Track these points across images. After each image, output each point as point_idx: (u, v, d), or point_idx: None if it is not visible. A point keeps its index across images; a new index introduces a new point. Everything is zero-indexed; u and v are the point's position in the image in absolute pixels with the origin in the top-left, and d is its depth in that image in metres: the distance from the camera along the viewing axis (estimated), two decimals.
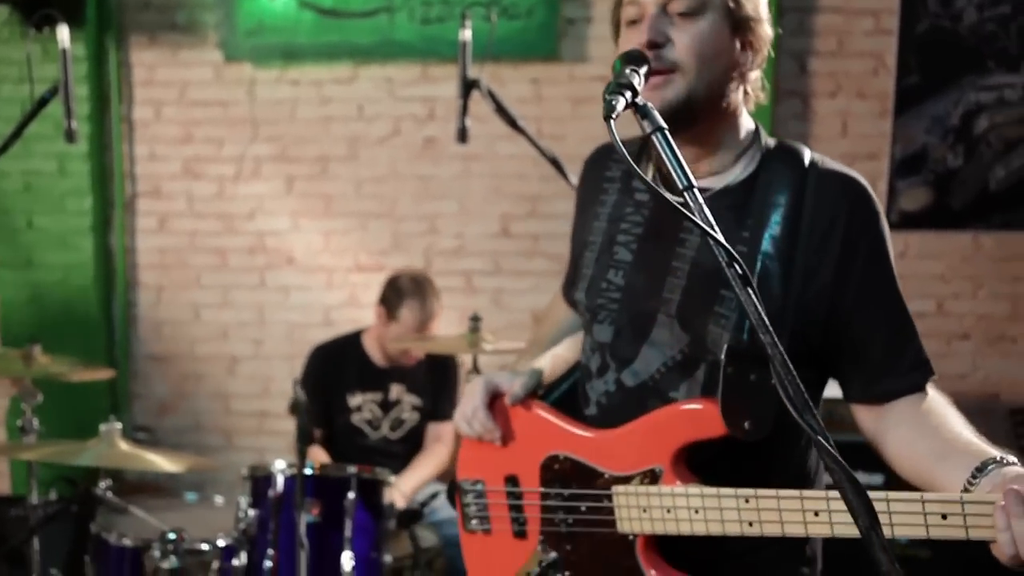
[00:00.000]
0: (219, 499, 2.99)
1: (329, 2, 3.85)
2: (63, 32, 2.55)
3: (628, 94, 1.18)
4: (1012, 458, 1.19)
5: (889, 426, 1.35)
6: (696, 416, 1.33)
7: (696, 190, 1.14)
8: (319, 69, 3.96)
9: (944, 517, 1.14)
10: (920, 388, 1.35)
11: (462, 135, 2.38)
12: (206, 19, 3.98)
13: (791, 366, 1.06)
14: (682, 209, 1.08)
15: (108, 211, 4.13)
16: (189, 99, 4.07)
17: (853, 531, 1.12)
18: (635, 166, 1.08)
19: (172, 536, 2.33)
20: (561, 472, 1.44)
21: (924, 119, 3.68)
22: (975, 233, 3.75)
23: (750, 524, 1.26)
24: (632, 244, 1.44)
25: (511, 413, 1.52)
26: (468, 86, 2.35)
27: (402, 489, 3.00)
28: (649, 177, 1.43)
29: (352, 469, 2.47)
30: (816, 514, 1.21)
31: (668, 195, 1.09)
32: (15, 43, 3.90)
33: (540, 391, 1.56)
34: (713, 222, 1.13)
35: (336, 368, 3.28)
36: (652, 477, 1.35)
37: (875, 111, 3.73)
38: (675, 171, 1.14)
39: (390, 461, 3.09)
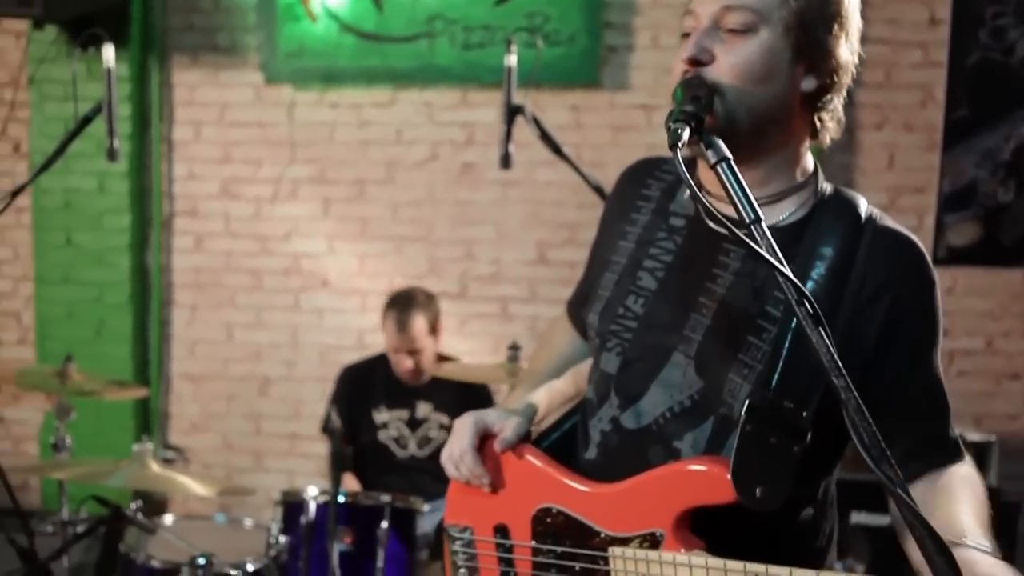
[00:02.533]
0: (248, 522, 2.95)
1: (370, 26, 3.86)
2: (108, 51, 2.56)
3: (694, 124, 1.13)
4: (986, 545, 1.13)
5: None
6: (704, 479, 1.21)
7: (764, 224, 1.08)
8: (358, 92, 3.96)
9: None
10: (943, 466, 1.26)
11: (505, 161, 2.35)
12: (248, 41, 4.01)
13: (866, 413, 1.00)
14: (748, 241, 1.02)
15: (146, 229, 4.15)
16: (229, 120, 4.08)
17: None
18: (698, 192, 1.04)
19: (202, 561, 2.29)
20: (554, 527, 1.33)
21: (974, 153, 3.60)
22: None
23: None
24: (659, 272, 1.32)
25: (502, 458, 1.40)
26: (512, 112, 2.32)
27: None
28: (686, 194, 1.34)
29: (386, 498, 2.43)
30: None
31: (730, 225, 1.03)
32: (61, 62, 3.94)
33: (533, 436, 1.45)
34: (783, 259, 1.07)
35: (364, 386, 3.30)
36: (652, 541, 1.23)
37: (923, 144, 3.66)
38: (742, 203, 1.08)
39: (420, 477, 3.13)
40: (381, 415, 3.27)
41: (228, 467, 4.18)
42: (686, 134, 1.10)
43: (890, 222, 1.28)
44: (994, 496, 3.09)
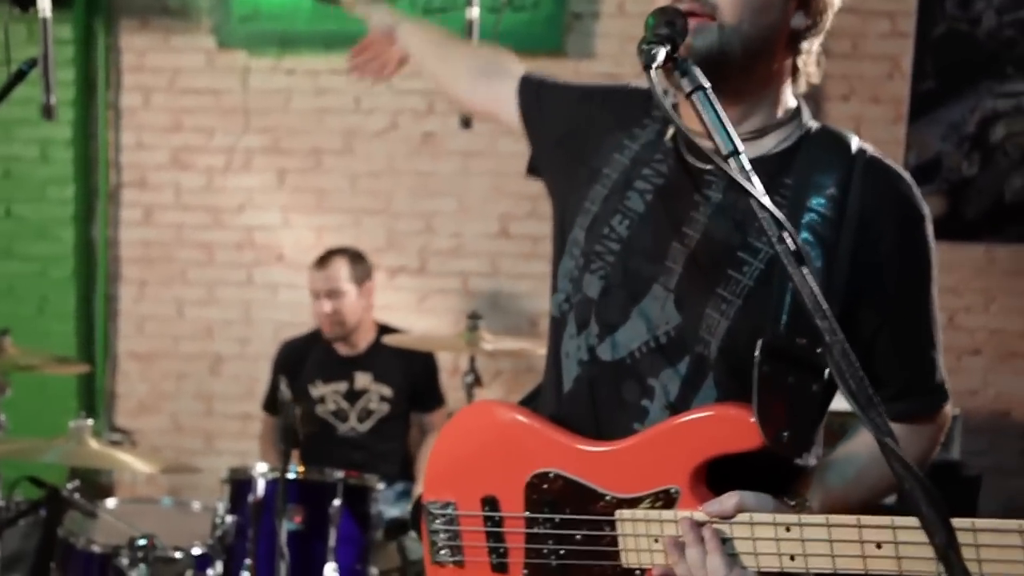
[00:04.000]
0: (196, 505, 2.84)
1: None
2: (44, 1, 2.40)
3: (668, 47, 1.05)
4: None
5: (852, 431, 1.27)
6: (727, 425, 1.13)
7: (744, 156, 1.02)
8: (315, 58, 3.82)
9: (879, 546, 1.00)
10: (929, 413, 1.26)
11: (466, 122, 2.25)
12: (200, 3, 3.85)
13: (853, 357, 0.92)
14: (726, 167, 0.96)
15: (91, 201, 3.98)
16: (180, 87, 3.92)
17: (925, 567, 0.98)
18: (675, 116, 0.95)
19: (142, 542, 2.17)
20: (551, 493, 1.22)
21: (940, 125, 3.57)
22: (988, 245, 3.64)
23: (791, 558, 1.06)
24: (648, 194, 1.25)
25: (488, 421, 1.29)
26: None
27: None
28: (668, 137, 1.27)
29: (339, 474, 2.33)
30: (879, 546, 1.00)
31: (710, 151, 0.96)
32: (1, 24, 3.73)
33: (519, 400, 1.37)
34: (761, 188, 1.01)
35: (300, 360, 3.22)
36: (666, 499, 1.14)
37: (889, 116, 3.62)
38: (720, 134, 1.03)
39: (361, 454, 3.06)
40: (317, 389, 3.17)
41: (178, 449, 4.02)
42: (661, 55, 1.03)
43: (881, 155, 1.25)
44: (955, 470, 3.08)
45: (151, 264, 4.01)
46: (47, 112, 2.43)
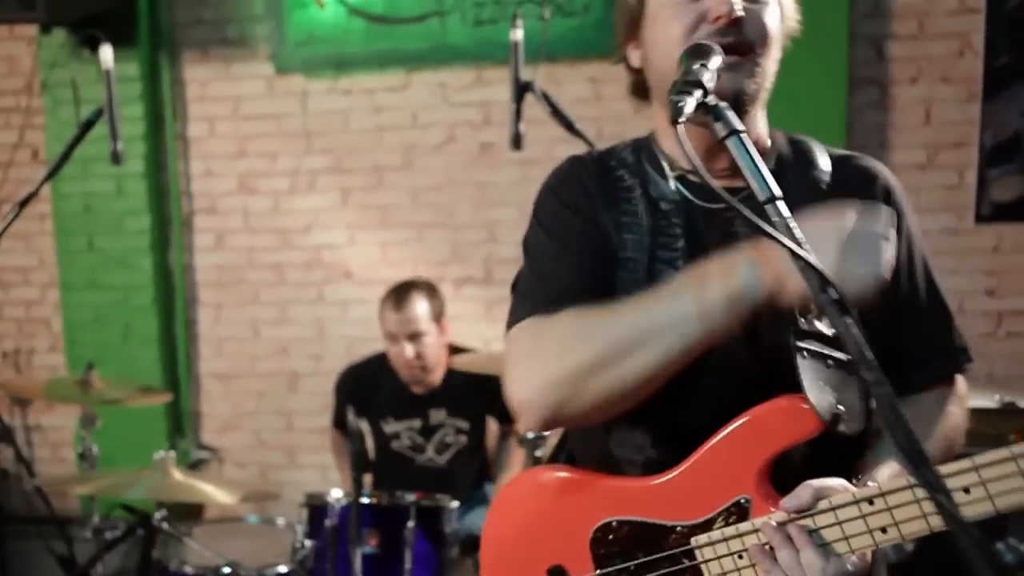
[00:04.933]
0: (281, 521, 2.92)
1: (379, 8, 3.76)
2: (106, 52, 2.51)
3: (698, 93, 1.03)
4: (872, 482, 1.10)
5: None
6: (782, 417, 1.10)
7: (782, 202, 0.99)
8: (371, 77, 3.87)
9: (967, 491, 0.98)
10: (950, 376, 1.30)
11: (516, 141, 2.25)
12: (257, 32, 3.93)
13: (902, 409, 0.89)
14: (776, 234, 0.94)
15: (166, 229, 4.12)
16: (242, 114, 4.02)
17: (1019, 498, 0.96)
18: (709, 178, 0.93)
19: (227, 570, 2.25)
20: (619, 543, 1.17)
21: (1017, 102, 3.40)
22: None
23: (883, 531, 1.02)
24: (677, 262, 1.22)
25: (533, 492, 1.25)
26: (521, 89, 2.22)
27: None
28: (671, 182, 1.26)
29: (411, 497, 2.36)
30: (967, 491, 0.97)
31: (761, 223, 0.94)
32: (71, 66, 3.90)
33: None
34: (801, 236, 0.98)
35: (368, 392, 3.08)
36: (739, 512, 1.11)
37: (961, 96, 3.47)
38: (758, 181, 1.01)
39: (443, 483, 2.92)
40: (390, 426, 3.08)
41: (262, 464, 4.15)
42: (690, 106, 1.01)
43: (847, 152, 1.32)
44: None
45: (225, 287, 4.13)
46: (115, 158, 2.56)
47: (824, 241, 1.00)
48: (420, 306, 2.94)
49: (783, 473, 1.12)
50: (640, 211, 1.26)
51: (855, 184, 1.25)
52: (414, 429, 3.06)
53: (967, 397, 1.32)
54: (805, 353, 1.10)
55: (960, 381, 1.31)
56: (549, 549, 1.21)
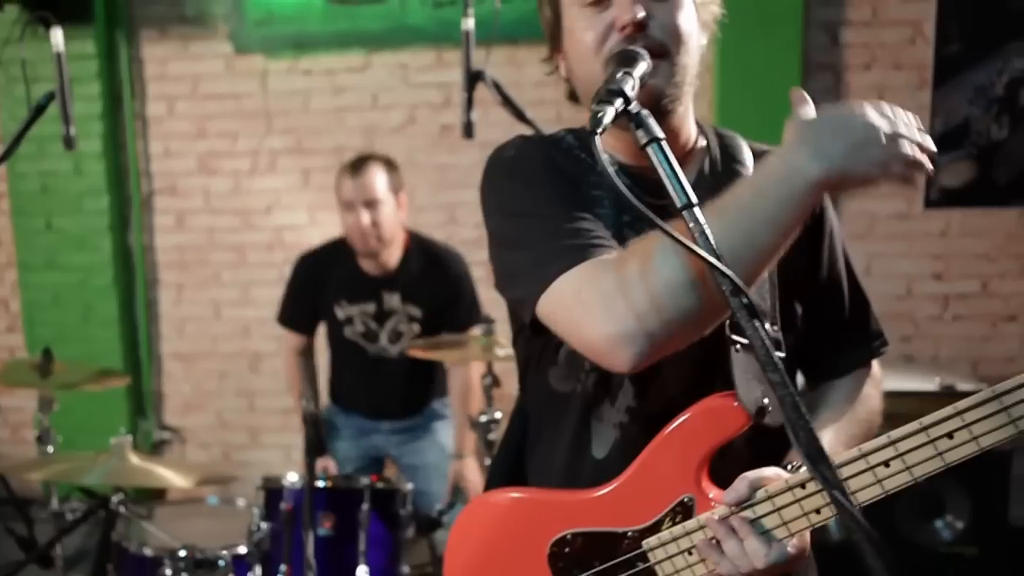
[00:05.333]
0: (241, 502, 2.95)
1: None
2: (57, 36, 2.47)
3: (619, 102, 1.05)
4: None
5: (815, 396, 1.35)
6: (710, 415, 1.15)
7: (698, 208, 1.02)
8: (331, 58, 3.86)
9: (951, 436, 1.02)
10: (868, 360, 1.36)
11: (468, 130, 2.26)
12: (215, 10, 3.90)
13: (804, 410, 0.94)
14: (683, 239, 0.96)
15: (125, 210, 4.09)
16: (201, 93, 4.00)
17: (1000, 436, 1.01)
18: (627, 192, 0.95)
19: (183, 553, 2.29)
20: (575, 555, 1.20)
21: (966, 89, 3.48)
22: (1022, 209, 3.55)
23: (817, 512, 1.06)
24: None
25: (486, 516, 1.27)
26: (473, 78, 2.23)
27: (471, 469, 2.93)
28: (613, 174, 1.26)
29: (365, 480, 2.40)
30: (951, 436, 1.01)
31: (665, 226, 0.96)
32: (25, 43, 3.83)
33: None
34: (715, 242, 1.01)
35: (321, 276, 2.98)
36: (684, 511, 1.16)
37: (913, 82, 3.54)
38: (675, 188, 1.02)
39: (397, 375, 2.93)
40: (344, 310, 2.95)
41: (224, 444, 4.18)
42: (608, 117, 1.03)
43: (766, 147, 1.31)
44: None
45: (186, 268, 4.12)
46: (67, 143, 2.54)
47: (842, 126, 1.02)
48: (378, 175, 2.85)
49: (727, 463, 1.17)
50: (605, 185, 1.23)
51: None
52: (367, 314, 2.94)
53: (882, 379, 1.39)
54: (738, 347, 1.15)
55: (875, 364, 1.38)
56: (511, 571, 1.23)
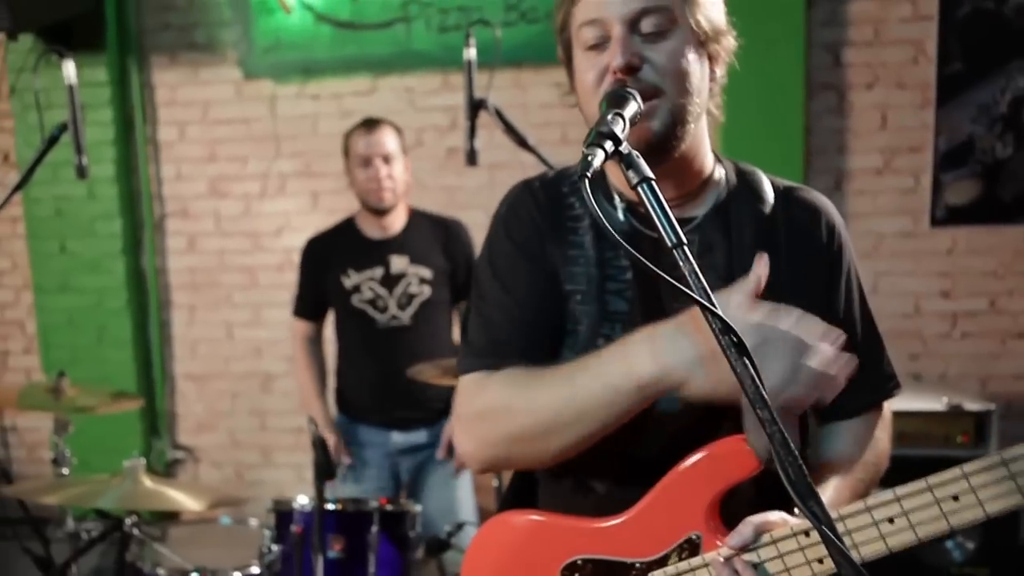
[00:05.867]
0: (254, 522, 2.97)
1: (345, 14, 3.80)
2: (69, 68, 2.53)
3: (609, 144, 1.08)
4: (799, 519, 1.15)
5: (823, 436, 1.36)
6: (726, 458, 1.17)
7: (686, 248, 1.05)
8: (338, 82, 3.91)
9: (956, 499, 1.03)
10: (880, 403, 1.37)
11: (471, 158, 2.30)
12: (224, 37, 3.96)
13: (792, 446, 0.97)
14: (673, 282, 0.98)
15: (138, 233, 4.15)
16: (212, 118, 4.06)
17: (1006, 503, 1.02)
18: (619, 237, 0.97)
19: (195, 575, 2.32)
20: None
21: (969, 108, 3.49)
22: None
23: (820, 561, 1.08)
24: (626, 292, 1.27)
25: (503, 537, 1.30)
26: (475, 106, 2.26)
27: None
28: (620, 213, 1.29)
29: (374, 503, 2.42)
30: (956, 499, 1.03)
31: (656, 269, 0.98)
32: (40, 72, 3.91)
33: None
34: (705, 282, 1.04)
35: (328, 252, 3.02)
36: (691, 548, 1.18)
37: (916, 102, 3.55)
38: (664, 227, 1.04)
39: (408, 347, 2.90)
40: (350, 279, 2.94)
41: (237, 464, 4.21)
42: (598, 160, 1.06)
43: (791, 184, 1.34)
44: None
45: (198, 290, 4.17)
46: (80, 172, 2.59)
47: (754, 339, 1.03)
48: (390, 133, 2.96)
49: (734, 502, 1.19)
50: (587, 242, 1.29)
51: (800, 219, 1.29)
52: (375, 279, 2.94)
53: (891, 421, 1.40)
54: (757, 411, 1.17)
55: (886, 406, 1.38)
56: None
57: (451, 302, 3.05)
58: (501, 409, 1.23)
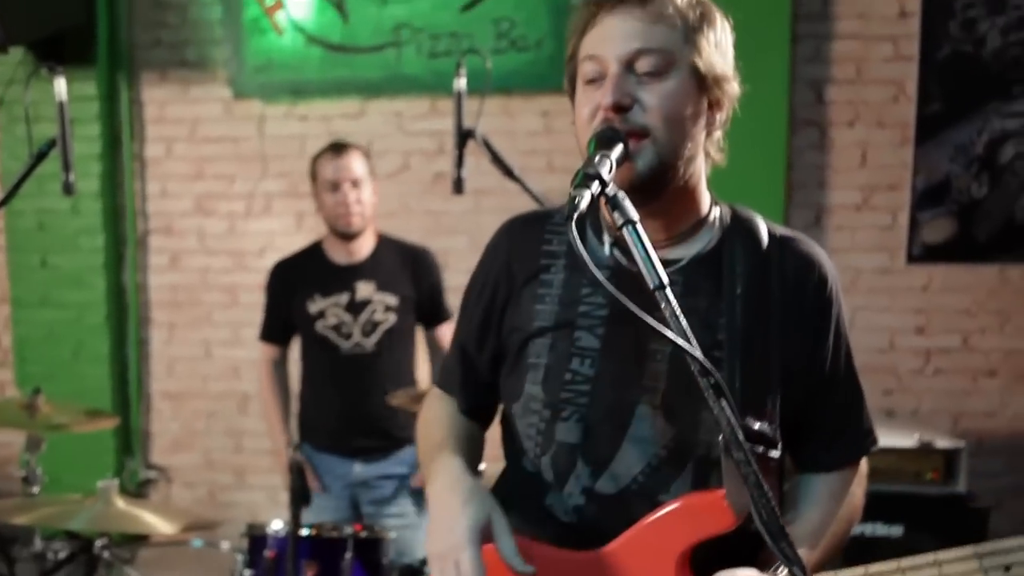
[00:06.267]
0: (225, 545, 2.95)
1: (337, 37, 3.83)
2: (60, 84, 2.53)
3: (595, 185, 1.10)
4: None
5: (800, 486, 1.36)
6: (703, 511, 1.19)
7: (668, 290, 1.06)
8: (327, 104, 3.93)
9: None
10: (858, 459, 1.38)
11: (458, 186, 2.32)
12: (215, 55, 3.98)
13: (766, 488, 0.99)
14: (652, 322, 1.00)
15: (120, 249, 4.14)
16: (200, 136, 4.06)
17: None
18: (600, 276, 0.99)
19: None
20: None
21: (947, 148, 3.56)
22: (1002, 266, 3.62)
23: None
24: (597, 328, 1.27)
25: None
26: (464, 136, 2.29)
27: None
28: (607, 248, 1.30)
29: (349, 529, 2.42)
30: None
31: (634, 307, 1.00)
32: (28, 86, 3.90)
33: None
34: (685, 324, 1.06)
35: (295, 277, 3.00)
36: None
37: (895, 140, 3.62)
38: (647, 269, 1.06)
39: (371, 375, 2.89)
40: (316, 304, 2.92)
41: (210, 484, 4.18)
42: (584, 202, 1.07)
43: (788, 232, 1.34)
44: (962, 503, 3.05)
45: (179, 307, 4.15)
46: (67, 189, 2.58)
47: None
48: (358, 157, 2.95)
49: (702, 560, 1.20)
50: (556, 281, 1.31)
51: (793, 269, 1.29)
52: (340, 305, 2.92)
53: (867, 475, 1.41)
54: (730, 453, 1.17)
55: (863, 461, 1.38)
56: None
57: (414, 328, 3.05)
58: (419, 434, 1.46)
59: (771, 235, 1.31)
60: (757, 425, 1.21)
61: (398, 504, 2.98)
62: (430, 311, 3.04)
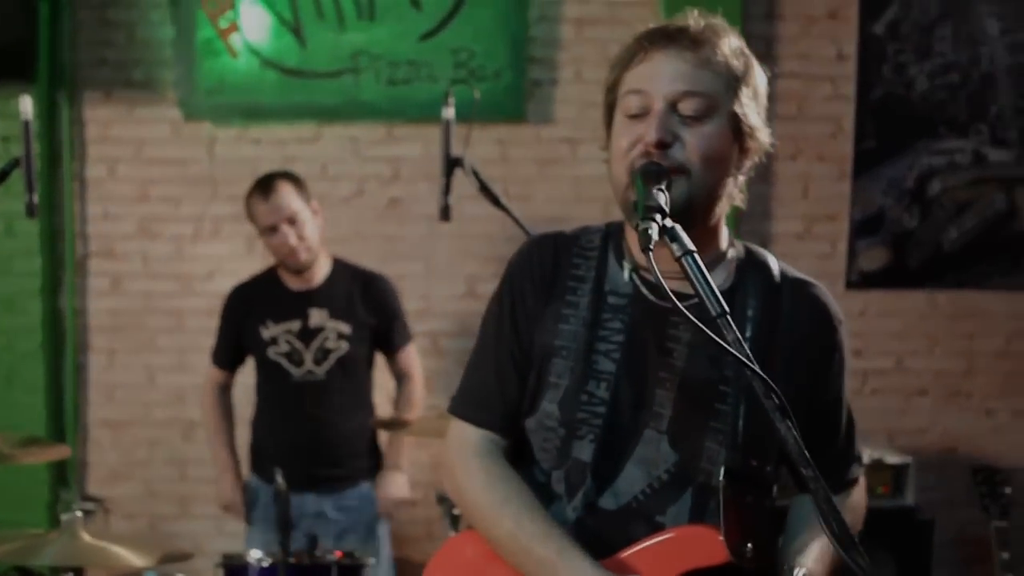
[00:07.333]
0: None
1: (293, 62, 3.81)
2: (26, 103, 2.46)
3: (659, 217, 1.17)
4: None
5: (803, 505, 1.42)
6: (697, 543, 1.24)
7: (729, 317, 1.13)
8: (281, 128, 3.90)
9: None
10: (855, 481, 1.49)
11: (445, 213, 2.36)
12: (165, 76, 3.89)
13: (835, 502, 1.05)
14: (727, 346, 1.07)
15: (58, 272, 3.98)
16: (145, 157, 3.96)
17: None
18: (681, 306, 1.06)
19: None
20: None
21: (881, 181, 3.79)
22: (930, 292, 3.86)
23: None
24: (614, 353, 1.34)
25: (452, 559, 1.37)
26: (451, 164, 2.33)
27: (398, 485, 2.89)
28: (626, 274, 1.37)
29: (332, 557, 2.40)
30: None
31: (709, 332, 1.07)
32: None
33: None
34: (747, 348, 1.12)
35: (249, 302, 3.00)
36: None
37: (835, 173, 3.83)
38: (708, 297, 1.13)
39: (322, 403, 2.90)
40: (268, 330, 2.93)
41: (152, 515, 4.03)
42: (655, 232, 1.14)
43: (798, 273, 1.44)
44: (910, 515, 3.23)
45: (120, 332, 4.02)
46: (30, 211, 2.51)
47: None
48: (288, 190, 2.89)
49: None
50: (582, 304, 1.37)
51: (802, 309, 1.38)
52: (292, 332, 2.92)
53: (864, 484, 1.55)
54: (729, 490, 1.26)
55: (862, 478, 1.52)
56: None
57: (370, 355, 3.06)
58: (470, 504, 1.39)
59: (784, 276, 1.41)
60: (755, 463, 1.30)
61: (350, 540, 2.94)
62: (388, 338, 3.05)
